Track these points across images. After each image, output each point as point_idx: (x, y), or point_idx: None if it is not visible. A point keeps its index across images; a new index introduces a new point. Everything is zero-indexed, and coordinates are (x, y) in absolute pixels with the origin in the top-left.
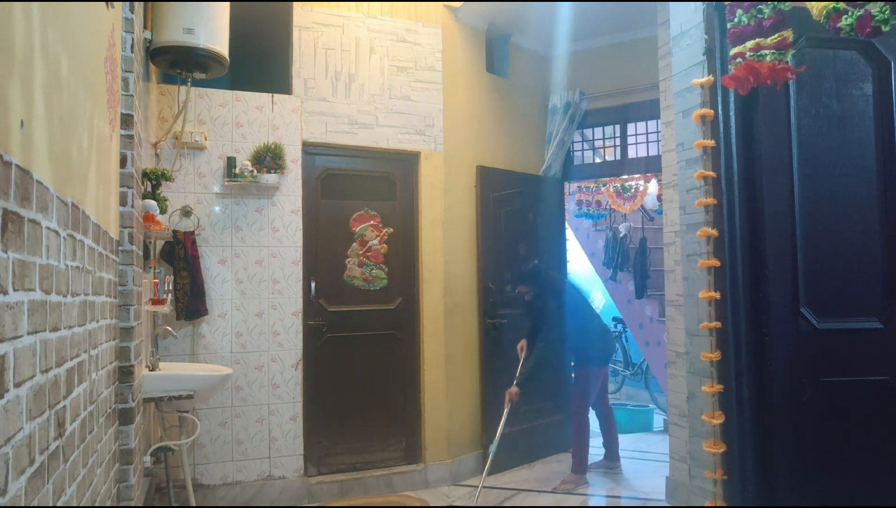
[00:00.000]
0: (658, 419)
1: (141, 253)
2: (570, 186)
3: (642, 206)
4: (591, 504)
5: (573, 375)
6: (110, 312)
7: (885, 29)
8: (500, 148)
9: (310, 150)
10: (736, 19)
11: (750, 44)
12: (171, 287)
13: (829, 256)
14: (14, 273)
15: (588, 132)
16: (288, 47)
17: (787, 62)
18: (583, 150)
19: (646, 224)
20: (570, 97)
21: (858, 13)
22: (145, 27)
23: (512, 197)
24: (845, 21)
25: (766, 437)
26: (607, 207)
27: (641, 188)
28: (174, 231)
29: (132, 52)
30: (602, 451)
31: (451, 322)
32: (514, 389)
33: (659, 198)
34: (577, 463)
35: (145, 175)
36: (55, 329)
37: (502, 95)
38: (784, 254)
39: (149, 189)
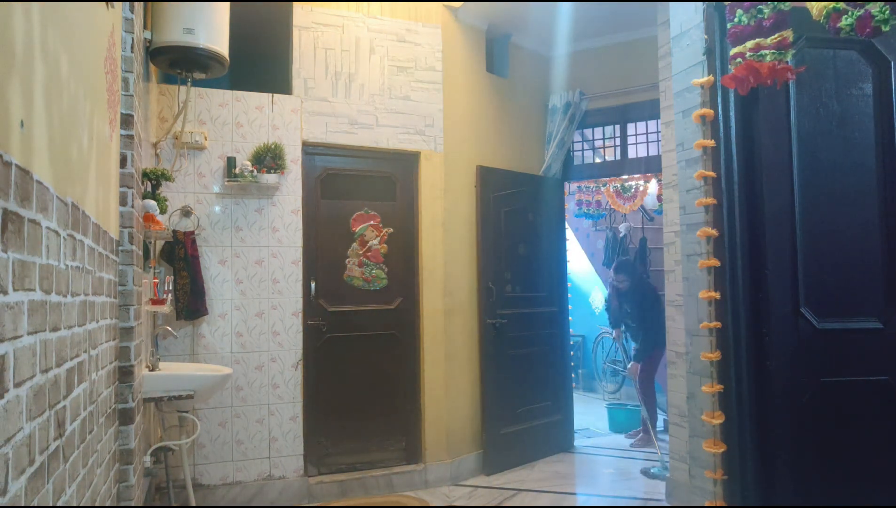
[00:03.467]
0: (658, 419)
1: (141, 253)
2: (570, 186)
3: (642, 206)
4: (591, 504)
5: (638, 356)
6: (110, 312)
7: (885, 29)
8: (500, 148)
9: (310, 150)
10: (736, 19)
11: (750, 44)
12: (171, 287)
13: (829, 256)
14: (14, 273)
15: (588, 132)
16: (288, 47)
17: (787, 62)
18: (583, 150)
19: (646, 224)
20: (570, 97)
21: (858, 13)
22: (145, 27)
23: (512, 197)
24: (845, 21)
25: (766, 437)
26: (607, 207)
27: (641, 188)
28: (174, 231)
29: (132, 52)
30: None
31: (451, 322)
32: (636, 366)
33: (659, 198)
34: (646, 428)
35: (145, 175)
36: (55, 329)
37: (502, 95)
38: (784, 254)
39: (149, 189)
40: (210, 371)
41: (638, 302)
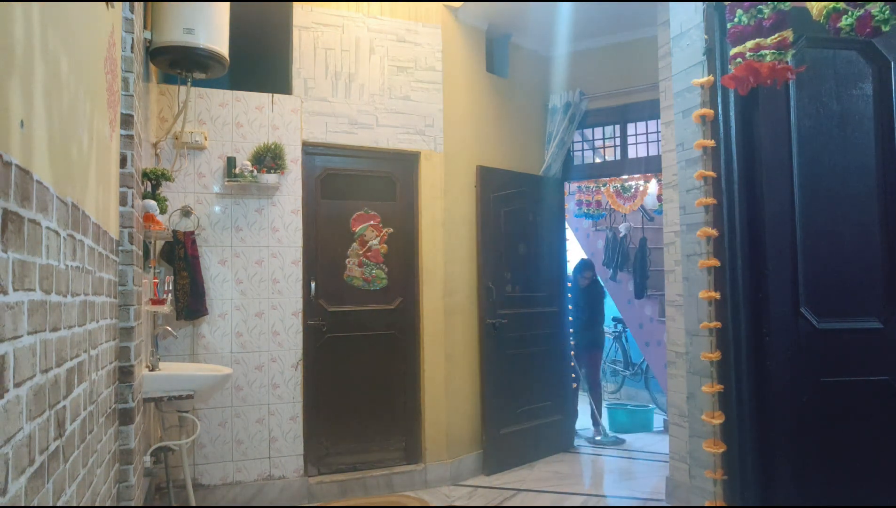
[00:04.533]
0: (658, 419)
1: (141, 253)
2: (570, 186)
3: (642, 206)
4: (590, 505)
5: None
6: (110, 312)
7: (885, 29)
8: (500, 148)
9: (310, 150)
10: (736, 19)
11: (750, 44)
12: (171, 287)
13: (829, 256)
14: (14, 273)
15: (588, 132)
16: (288, 47)
17: (787, 62)
18: (583, 150)
19: (646, 224)
20: (570, 97)
21: (858, 13)
22: (145, 27)
23: (512, 197)
24: (845, 21)
25: (766, 437)
26: (607, 207)
27: (641, 188)
28: (174, 231)
29: (132, 52)
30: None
31: (451, 322)
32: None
33: (659, 198)
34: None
35: (145, 175)
36: (55, 329)
37: (502, 95)
38: (784, 254)
39: (149, 189)
40: (210, 371)
41: (592, 301)
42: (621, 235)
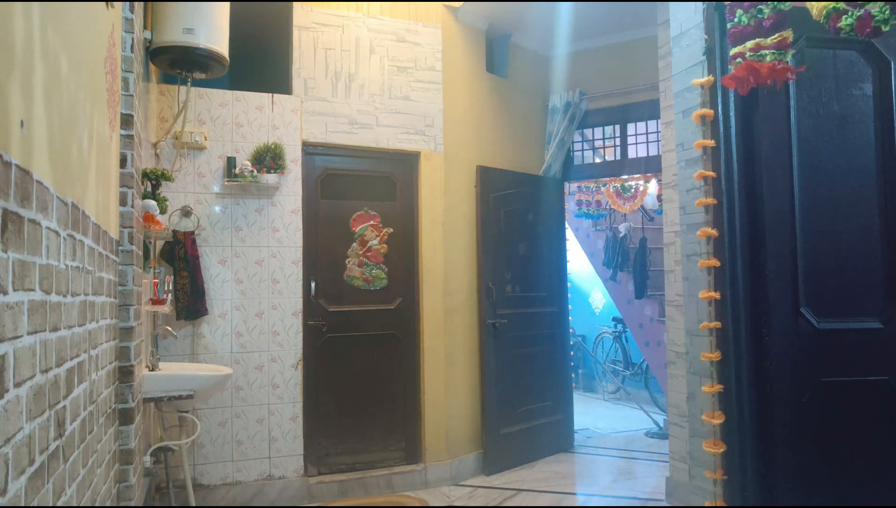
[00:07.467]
0: (658, 419)
1: (141, 253)
2: (570, 186)
3: (642, 206)
4: (591, 504)
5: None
6: (110, 312)
7: (885, 29)
8: (500, 148)
9: (310, 150)
10: (736, 19)
11: (750, 44)
12: (171, 287)
13: (829, 256)
14: (14, 273)
15: (588, 132)
16: (288, 47)
17: (787, 62)
18: (583, 150)
19: (646, 224)
20: (570, 97)
21: (858, 13)
22: (145, 27)
23: (512, 197)
24: (845, 21)
25: (766, 437)
26: (607, 207)
27: (641, 188)
28: (174, 231)
29: (132, 52)
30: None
31: (451, 322)
32: None
33: (659, 198)
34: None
35: (145, 175)
36: (55, 329)
37: (502, 95)
38: (784, 254)
39: (149, 189)
40: (210, 371)
41: None
42: (621, 235)
